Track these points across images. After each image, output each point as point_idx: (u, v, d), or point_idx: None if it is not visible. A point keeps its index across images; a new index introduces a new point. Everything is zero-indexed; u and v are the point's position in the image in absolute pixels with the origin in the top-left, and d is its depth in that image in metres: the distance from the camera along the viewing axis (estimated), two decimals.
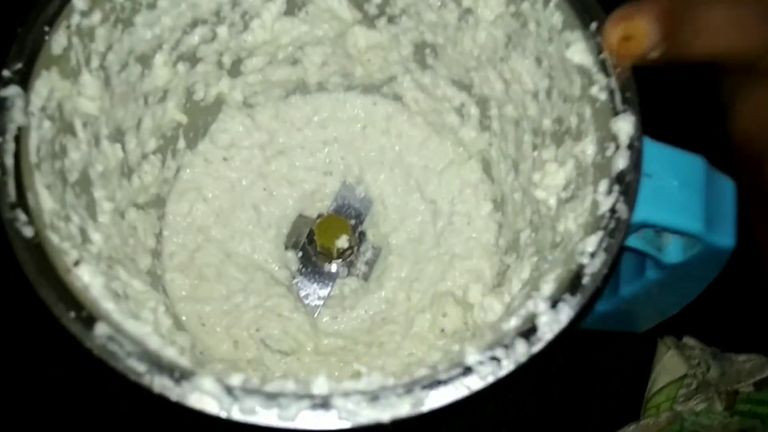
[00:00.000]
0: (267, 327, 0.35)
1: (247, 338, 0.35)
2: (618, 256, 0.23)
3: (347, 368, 0.34)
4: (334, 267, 0.37)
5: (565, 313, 0.22)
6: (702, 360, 0.44)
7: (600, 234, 0.23)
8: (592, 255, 0.23)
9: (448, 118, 0.37)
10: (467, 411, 0.38)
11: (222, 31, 0.33)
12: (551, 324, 0.22)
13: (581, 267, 0.23)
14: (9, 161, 0.23)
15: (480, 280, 0.35)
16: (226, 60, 0.35)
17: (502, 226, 0.36)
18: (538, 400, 0.40)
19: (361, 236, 0.38)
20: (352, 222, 0.38)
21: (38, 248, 0.22)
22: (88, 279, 0.23)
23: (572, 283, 0.23)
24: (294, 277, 0.37)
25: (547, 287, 0.23)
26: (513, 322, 0.23)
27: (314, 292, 0.37)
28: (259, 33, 0.34)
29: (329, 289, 0.37)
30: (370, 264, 0.38)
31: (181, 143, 0.36)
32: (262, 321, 0.35)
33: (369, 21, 0.35)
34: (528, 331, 0.22)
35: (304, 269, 0.38)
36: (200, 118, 0.36)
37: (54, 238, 0.23)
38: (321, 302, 0.37)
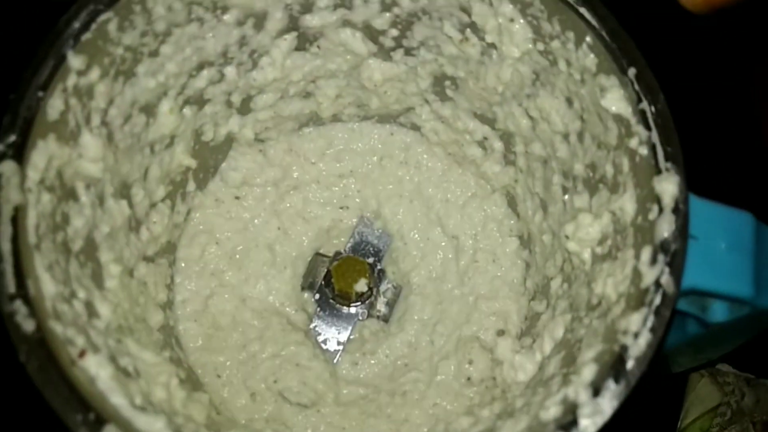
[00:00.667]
0: (285, 378, 0.33)
1: (265, 390, 0.33)
2: (664, 336, 0.21)
3: (370, 421, 0.32)
4: (353, 309, 0.36)
5: (608, 403, 0.20)
6: (736, 387, 0.43)
7: (644, 311, 0.21)
8: (636, 335, 0.21)
9: (470, 150, 0.35)
10: None
11: (230, 71, 0.31)
12: (593, 416, 0.20)
13: (624, 348, 0.21)
14: (6, 247, 0.21)
15: (506, 323, 0.34)
16: (235, 99, 0.33)
17: (530, 266, 0.34)
18: None
19: (381, 274, 0.37)
20: (371, 260, 0.36)
21: (41, 343, 0.21)
22: (94, 370, 0.21)
23: (615, 368, 0.21)
24: (311, 321, 0.36)
25: (588, 371, 0.21)
26: (552, 412, 0.21)
27: (333, 337, 0.36)
28: (269, 70, 0.32)
29: (348, 332, 0.36)
30: (391, 304, 0.36)
31: (191, 185, 0.34)
32: (280, 371, 0.34)
33: (385, 53, 0.33)
34: (568, 425, 0.20)
35: (321, 312, 0.36)
36: (210, 158, 0.35)
37: (57, 328, 0.21)
38: (340, 347, 0.35)
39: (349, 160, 0.38)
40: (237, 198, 0.36)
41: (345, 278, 0.35)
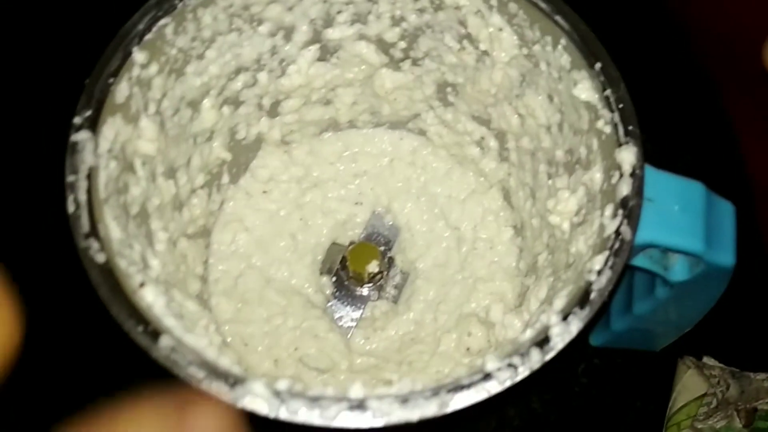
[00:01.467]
0: (304, 347, 0.38)
1: (287, 357, 0.37)
2: (623, 273, 0.26)
3: (379, 384, 0.36)
4: (365, 291, 0.40)
5: (575, 324, 0.25)
6: (721, 379, 0.45)
7: (606, 254, 0.26)
8: (599, 272, 0.26)
9: (470, 150, 0.40)
10: (488, 411, 0.40)
11: (262, 76, 0.37)
12: (563, 334, 0.24)
13: (589, 284, 0.25)
14: (82, 197, 0.26)
15: (502, 301, 0.38)
16: (266, 102, 0.38)
17: (523, 250, 0.39)
18: (562, 419, 0.42)
19: (390, 262, 0.41)
20: (382, 248, 0.41)
21: (109, 272, 0.25)
22: (151, 299, 0.26)
23: (581, 298, 0.25)
24: (328, 301, 0.40)
25: (559, 302, 0.26)
26: (528, 334, 0.25)
27: (347, 315, 0.40)
28: (295, 78, 0.37)
29: (361, 311, 0.40)
30: (399, 288, 0.41)
31: (225, 178, 0.39)
32: (300, 341, 0.38)
33: (395, 64, 0.38)
34: (542, 341, 0.24)
35: (337, 293, 0.40)
36: (242, 155, 0.40)
37: (122, 263, 0.26)
38: (354, 324, 0.40)
39: (363, 162, 0.43)
40: (264, 192, 0.41)
41: (359, 260, 0.39)
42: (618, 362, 0.43)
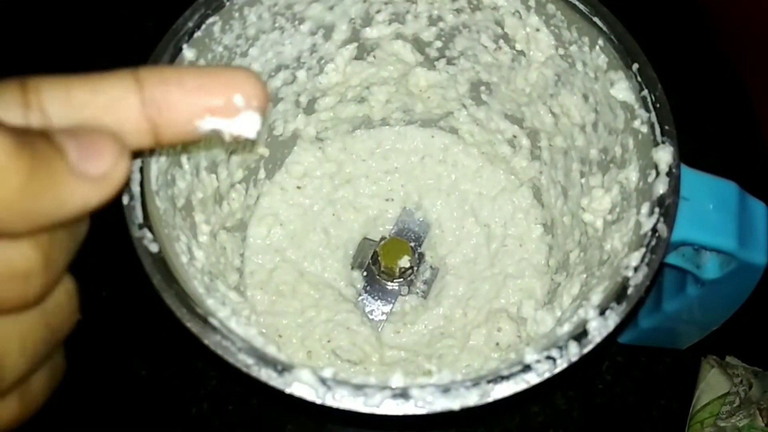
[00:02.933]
0: (337, 339, 0.39)
1: (320, 349, 0.38)
2: (659, 270, 0.26)
3: (417, 374, 0.37)
4: (396, 285, 0.41)
5: (612, 319, 0.25)
6: (744, 378, 0.46)
7: (642, 250, 0.26)
8: (636, 269, 0.26)
9: (501, 148, 0.41)
10: (499, 415, 0.41)
11: (301, 74, 0.37)
12: (600, 329, 0.25)
13: (626, 279, 0.26)
14: (136, 189, 0.27)
15: (532, 297, 0.39)
16: (303, 99, 0.39)
17: (552, 248, 0.39)
18: (586, 416, 0.43)
19: (420, 257, 0.42)
20: (412, 244, 0.42)
21: (162, 261, 0.26)
22: (202, 289, 0.27)
23: (618, 294, 0.26)
24: (360, 295, 0.41)
25: (596, 297, 0.26)
26: (566, 328, 0.26)
27: (378, 309, 0.41)
28: (332, 75, 0.38)
29: (392, 305, 0.41)
30: (429, 283, 0.42)
31: (262, 174, 0.40)
32: (333, 333, 0.39)
33: (430, 63, 0.39)
34: (580, 335, 0.25)
35: (368, 287, 0.41)
36: (278, 151, 0.41)
37: (173, 253, 0.27)
38: (384, 317, 0.40)
39: (394, 159, 0.43)
40: (299, 188, 0.42)
41: (390, 255, 0.40)
42: (641, 360, 0.44)
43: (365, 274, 0.41)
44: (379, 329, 0.40)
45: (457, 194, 0.43)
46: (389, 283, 0.41)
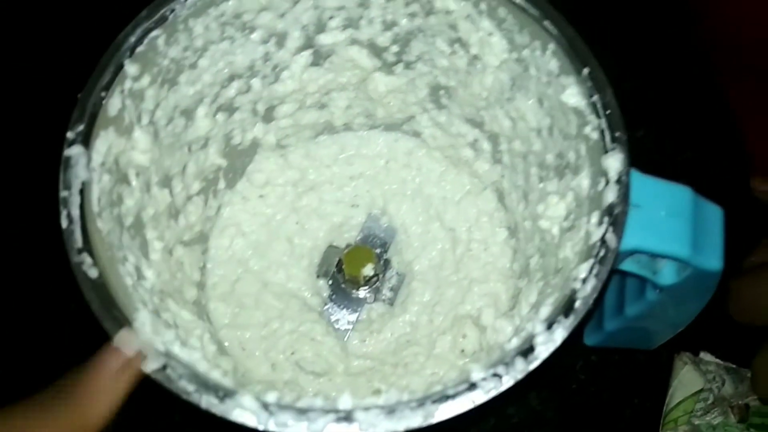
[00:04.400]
0: (301, 350, 0.38)
1: (284, 361, 0.38)
2: (607, 281, 0.26)
3: (374, 387, 0.37)
4: (361, 293, 0.41)
5: (559, 333, 0.25)
6: (717, 375, 0.46)
7: (591, 261, 0.26)
8: (584, 281, 0.26)
9: (464, 152, 0.40)
10: (473, 418, 0.41)
11: (256, 83, 0.37)
12: (547, 344, 0.25)
13: (574, 291, 0.26)
14: (75, 212, 0.27)
15: (496, 303, 0.38)
16: (260, 108, 0.38)
17: (516, 252, 0.39)
18: (561, 416, 0.43)
19: (386, 264, 0.41)
20: (378, 251, 0.41)
21: (102, 287, 0.26)
22: (143, 317, 0.26)
23: (566, 307, 0.25)
24: (325, 304, 0.41)
25: (545, 310, 0.26)
26: (514, 342, 0.25)
27: (344, 317, 0.40)
28: (289, 83, 0.38)
29: (358, 314, 0.40)
30: (395, 290, 0.41)
31: (222, 184, 0.40)
32: (297, 345, 0.38)
33: (387, 68, 0.38)
34: (526, 351, 0.25)
35: (334, 296, 0.41)
36: (238, 160, 0.40)
37: (115, 278, 0.27)
38: (350, 326, 0.40)
39: (358, 164, 0.43)
40: (261, 196, 0.42)
41: (354, 264, 0.40)
42: (615, 359, 0.44)
43: (330, 282, 0.41)
44: (345, 339, 0.40)
45: (422, 198, 0.42)
46: (355, 292, 0.41)
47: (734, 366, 0.46)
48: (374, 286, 0.41)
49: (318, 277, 0.41)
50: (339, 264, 0.40)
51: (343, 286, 0.41)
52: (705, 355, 0.47)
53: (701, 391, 0.45)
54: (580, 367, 0.44)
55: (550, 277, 0.31)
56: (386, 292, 0.41)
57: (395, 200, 0.42)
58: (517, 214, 0.38)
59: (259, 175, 0.41)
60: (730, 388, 0.45)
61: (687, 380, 0.45)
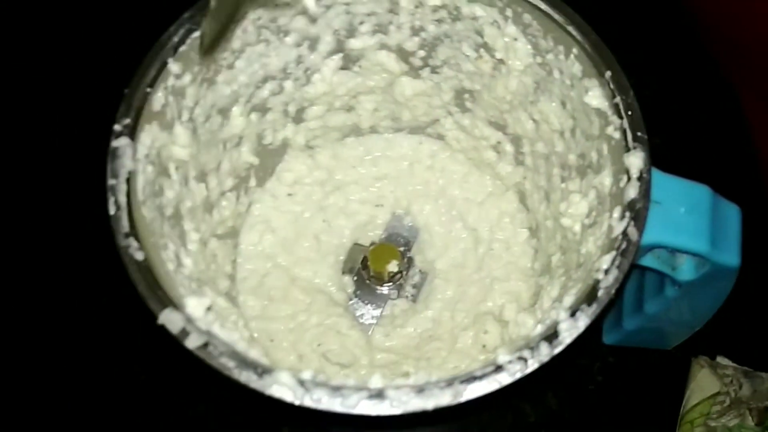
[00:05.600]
0: (327, 343, 0.39)
1: (310, 352, 0.39)
2: (629, 272, 0.27)
3: (398, 377, 0.38)
4: (385, 290, 0.42)
5: (583, 320, 0.26)
6: (734, 378, 0.46)
7: (613, 254, 0.27)
8: (606, 272, 0.27)
9: (486, 154, 0.42)
10: (505, 407, 0.42)
11: (288, 85, 0.38)
12: (570, 330, 0.26)
13: (597, 282, 0.27)
14: (122, 199, 0.28)
15: (518, 300, 0.39)
16: (291, 109, 0.40)
17: (537, 251, 0.40)
18: (577, 416, 0.43)
19: (410, 262, 0.42)
20: (401, 249, 0.42)
21: (147, 269, 0.27)
22: (188, 295, 0.28)
23: (589, 296, 0.27)
24: (350, 299, 0.42)
25: (568, 299, 0.27)
26: (539, 329, 0.26)
27: (368, 312, 0.42)
28: (319, 85, 0.39)
29: (381, 309, 0.42)
30: (418, 287, 0.42)
31: (253, 181, 0.41)
32: (323, 337, 0.39)
33: (414, 72, 0.40)
34: (551, 336, 0.26)
35: (359, 292, 0.42)
36: (269, 159, 0.42)
37: (157, 262, 0.28)
38: (374, 321, 0.41)
39: (384, 166, 0.44)
40: (290, 195, 0.43)
41: (379, 260, 0.41)
42: (632, 361, 0.44)
43: (355, 278, 0.42)
44: (369, 333, 0.41)
45: (445, 199, 0.43)
46: (379, 288, 0.42)
47: (752, 369, 0.47)
48: (398, 283, 0.42)
49: (343, 273, 0.42)
50: (364, 260, 0.42)
51: (367, 282, 0.42)
52: (722, 360, 0.47)
53: (718, 394, 0.45)
54: (598, 369, 0.45)
55: (572, 272, 0.32)
56: (409, 289, 0.42)
57: (419, 201, 0.43)
58: (539, 213, 0.39)
59: (289, 174, 0.43)
60: (748, 391, 0.46)
61: (704, 383, 0.46)
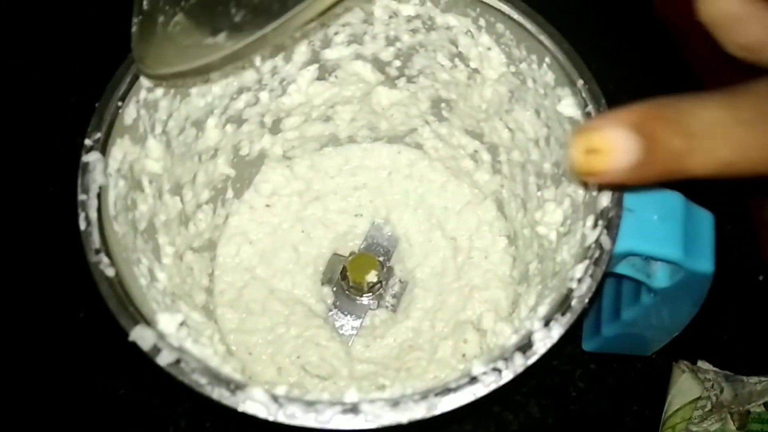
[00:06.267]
0: (306, 354, 0.39)
1: (289, 365, 0.39)
2: (602, 280, 0.27)
3: (375, 389, 0.38)
4: (365, 300, 0.42)
5: (557, 330, 0.26)
6: (715, 383, 0.46)
7: (586, 263, 0.27)
8: (580, 280, 0.27)
9: (464, 163, 0.42)
10: (475, 412, 0.41)
11: (264, 96, 0.38)
12: (544, 340, 0.26)
13: (570, 291, 0.27)
14: (93, 215, 0.28)
15: (497, 308, 0.39)
16: (268, 120, 0.40)
17: (516, 259, 0.40)
18: (560, 423, 0.43)
19: (389, 271, 0.42)
20: (381, 258, 0.42)
21: (118, 285, 0.27)
22: (161, 311, 0.28)
23: (563, 305, 0.27)
24: (330, 310, 0.42)
25: (543, 309, 0.27)
26: (513, 339, 0.26)
27: (348, 323, 0.41)
28: (295, 96, 0.39)
29: (361, 320, 0.41)
30: (398, 296, 0.42)
31: (230, 193, 0.41)
32: (302, 349, 0.39)
33: (390, 81, 0.40)
34: (525, 346, 0.26)
35: (338, 302, 0.42)
36: (246, 170, 0.42)
37: (129, 278, 0.28)
38: (354, 332, 0.41)
39: (362, 175, 0.44)
40: (267, 206, 0.43)
41: (358, 271, 0.41)
42: (614, 367, 0.44)
43: (335, 289, 0.42)
44: (349, 344, 0.41)
45: (424, 208, 0.43)
46: (358, 298, 0.42)
47: (732, 373, 0.47)
48: (377, 293, 0.42)
49: (323, 284, 0.42)
50: (343, 271, 0.41)
51: (347, 292, 0.42)
52: (703, 364, 0.48)
53: (699, 398, 0.45)
54: (579, 375, 0.45)
55: (548, 281, 0.32)
56: (389, 299, 0.42)
57: (398, 210, 0.43)
58: (516, 222, 0.39)
59: (266, 185, 0.43)
60: (729, 395, 0.46)
61: (685, 388, 0.46)
